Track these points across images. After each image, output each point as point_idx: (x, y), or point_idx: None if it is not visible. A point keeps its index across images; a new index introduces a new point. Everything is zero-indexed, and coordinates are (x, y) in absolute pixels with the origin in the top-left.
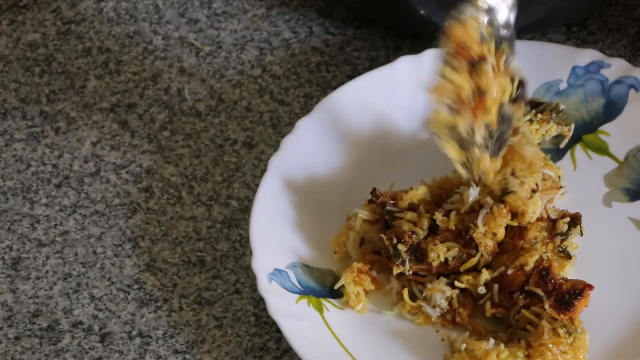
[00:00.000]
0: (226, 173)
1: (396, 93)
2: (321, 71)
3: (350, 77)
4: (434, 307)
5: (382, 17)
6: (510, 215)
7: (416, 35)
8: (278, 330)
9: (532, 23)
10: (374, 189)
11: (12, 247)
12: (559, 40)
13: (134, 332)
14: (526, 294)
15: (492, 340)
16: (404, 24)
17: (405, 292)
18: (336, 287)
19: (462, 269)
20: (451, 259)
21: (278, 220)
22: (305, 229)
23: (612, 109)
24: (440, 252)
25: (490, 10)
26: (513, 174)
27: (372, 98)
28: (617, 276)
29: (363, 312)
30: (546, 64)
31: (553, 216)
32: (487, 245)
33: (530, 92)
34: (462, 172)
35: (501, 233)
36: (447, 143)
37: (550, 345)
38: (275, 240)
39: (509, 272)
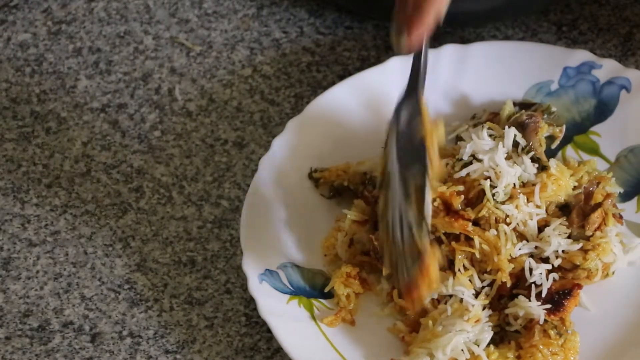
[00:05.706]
0: (217, 173)
1: (387, 93)
2: (312, 71)
3: (341, 77)
4: None
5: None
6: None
7: None
8: (269, 331)
9: (486, 11)
10: (363, 189)
11: (2, 247)
12: (550, 40)
13: (125, 332)
14: (516, 297)
15: None
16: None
17: (396, 292)
18: (326, 290)
19: None
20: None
21: (269, 221)
22: (295, 230)
23: (603, 110)
24: None
25: None
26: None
27: (363, 98)
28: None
29: (354, 313)
30: (537, 64)
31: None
32: None
33: (521, 92)
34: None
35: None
36: None
37: (541, 347)
38: (265, 240)
39: None
